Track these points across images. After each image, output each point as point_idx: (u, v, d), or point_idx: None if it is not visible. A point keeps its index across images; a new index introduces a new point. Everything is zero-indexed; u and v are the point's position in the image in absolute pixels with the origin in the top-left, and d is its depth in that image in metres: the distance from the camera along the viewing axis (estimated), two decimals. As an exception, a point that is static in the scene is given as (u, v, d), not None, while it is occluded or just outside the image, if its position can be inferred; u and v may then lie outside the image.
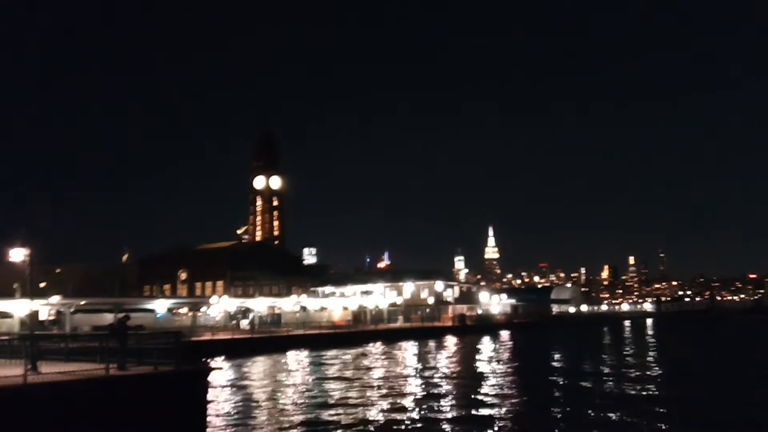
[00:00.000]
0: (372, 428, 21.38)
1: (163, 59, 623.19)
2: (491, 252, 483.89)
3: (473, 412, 24.11)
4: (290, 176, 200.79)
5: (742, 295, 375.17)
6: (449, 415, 23.56)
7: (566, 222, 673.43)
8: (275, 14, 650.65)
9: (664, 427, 21.12)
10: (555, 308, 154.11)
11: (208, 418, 21.09)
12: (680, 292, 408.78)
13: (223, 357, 48.97)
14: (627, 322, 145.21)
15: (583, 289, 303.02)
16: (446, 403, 26.27)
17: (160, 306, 69.35)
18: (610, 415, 22.75)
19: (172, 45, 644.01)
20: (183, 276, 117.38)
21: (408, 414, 23.83)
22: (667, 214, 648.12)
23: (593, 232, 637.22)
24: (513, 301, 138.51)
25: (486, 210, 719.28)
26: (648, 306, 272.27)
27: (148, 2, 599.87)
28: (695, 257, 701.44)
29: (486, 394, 28.57)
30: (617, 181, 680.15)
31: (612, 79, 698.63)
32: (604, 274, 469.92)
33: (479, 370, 39.82)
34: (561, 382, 31.88)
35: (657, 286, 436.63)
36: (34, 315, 53.64)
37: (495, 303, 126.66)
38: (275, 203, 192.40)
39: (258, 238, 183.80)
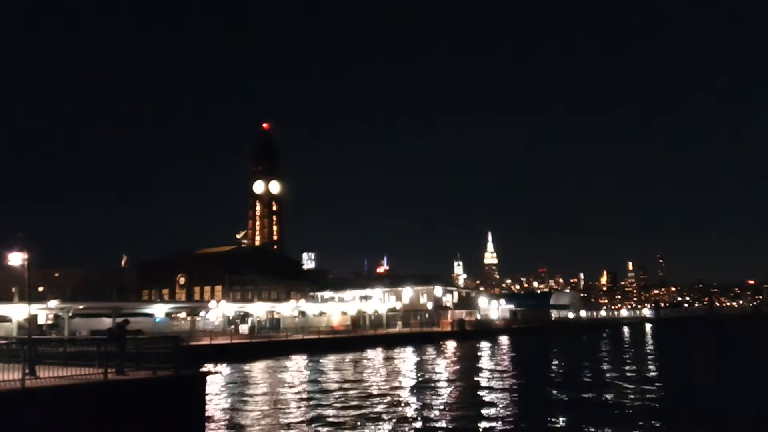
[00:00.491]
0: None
1: (163, 62, 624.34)
2: (490, 257, 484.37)
3: (470, 419, 24.02)
4: (289, 181, 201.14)
5: (741, 301, 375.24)
6: (446, 422, 23.55)
7: (565, 228, 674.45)
8: (275, 15, 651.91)
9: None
10: (554, 314, 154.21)
11: (207, 423, 21.02)
12: (679, 298, 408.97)
13: (221, 362, 48.91)
14: (626, 328, 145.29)
15: (582, 295, 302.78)
16: (444, 410, 26.24)
17: (159, 310, 69.24)
18: (608, 428, 22.32)
19: (171, 46, 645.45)
20: (182, 280, 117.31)
21: (405, 420, 23.85)
22: (665, 220, 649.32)
23: (592, 238, 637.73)
24: (512, 306, 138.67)
25: (485, 215, 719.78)
26: (647, 312, 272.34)
27: (148, 3, 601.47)
28: (694, 263, 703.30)
29: (484, 402, 28.51)
30: (616, 188, 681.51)
31: (611, 81, 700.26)
32: (603, 279, 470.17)
33: (478, 376, 39.73)
34: (559, 392, 31.61)
35: (656, 291, 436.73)
36: (32, 319, 53.48)
37: (494, 308, 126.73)
38: (274, 208, 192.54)
39: (257, 243, 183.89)
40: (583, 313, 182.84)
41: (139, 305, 76.83)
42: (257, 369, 45.49)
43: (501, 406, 27.05)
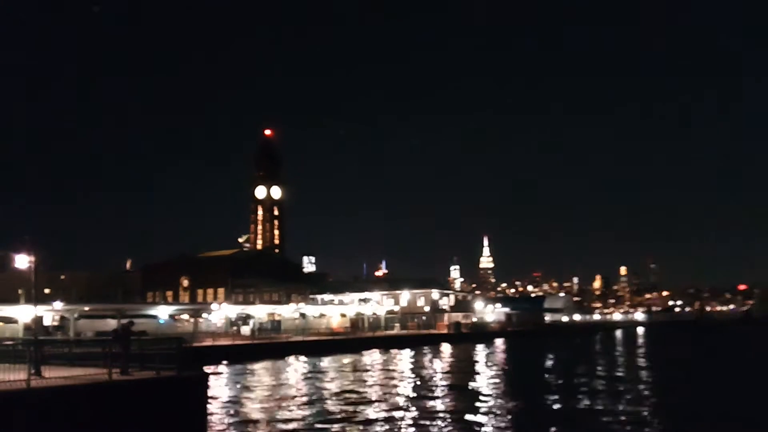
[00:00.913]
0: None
1: (162, 66, 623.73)
2: (486, 261, 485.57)
3: (466, 421, 24.10)
4: (290, 186, 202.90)
5: (732, 306, 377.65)
6: (443, 424, 23.57)
7: (559, 232, 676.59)
8: (274, 17, 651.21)
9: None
10: (548, 317, 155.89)
11: (209, 423, 21.19)
12: (671, 302, 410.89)
13: (223, 362, 49.60)
14: (618, 332, 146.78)
15: (575, 299, 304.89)
16: (440, 412, 26.26)
17: (163, 312, 69.63)
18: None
19: (171, 48, 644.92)
20: (185, 283, 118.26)
21: (401, 421, 24.04)
22: (658, 225, 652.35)
23: (586, 243, 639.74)
24: (507, 309, 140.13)
25: (482, 220, 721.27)
26: (639, 316, 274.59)
27: (149, 4, 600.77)
28: (686, 268, 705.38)
29: (480, 404, 28.57)
30: (610, 193, 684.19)
31: (611, 85, 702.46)
32: (596, 284, 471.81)
33: (474, 378, 40.18)
34: (554, 397, 31.27)
35: (648, 296, 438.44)
36: (38, 320, 54.22)
37: (489, 311, 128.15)
38: (276, 212, 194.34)
39: (259, 247, 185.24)
40: (576, 317, 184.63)
41: (144, 307, 77.59)
42: (259, 370, 45.91)
43: (494, 409, 27.07)
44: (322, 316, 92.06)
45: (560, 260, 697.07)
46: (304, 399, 30.40)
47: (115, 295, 75.42)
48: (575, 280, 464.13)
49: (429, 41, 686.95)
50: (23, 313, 53.74)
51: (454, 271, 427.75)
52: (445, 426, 23.33)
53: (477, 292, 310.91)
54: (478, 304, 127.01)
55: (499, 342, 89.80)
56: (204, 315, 77.48)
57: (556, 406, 28.45)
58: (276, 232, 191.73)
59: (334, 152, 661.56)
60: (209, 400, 21.83)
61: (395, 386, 35.46)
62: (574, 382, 36.80)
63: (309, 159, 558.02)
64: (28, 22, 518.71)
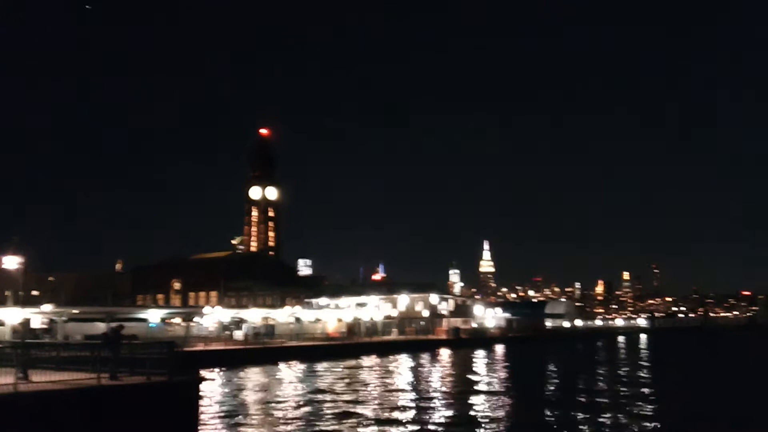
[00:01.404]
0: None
1: (161, 67, 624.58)
2: (486, 266, 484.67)
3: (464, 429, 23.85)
4: (286, 187, 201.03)
5: (736, 312, 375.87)
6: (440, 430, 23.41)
7: (561, 237, 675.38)
8: (274, 17, 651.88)
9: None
10: (549, 323, 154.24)
11: (200, 429, 20.96)
12: (674, 308, 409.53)
13: (216, 368, 48.71)
14: (621, 338, 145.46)
15: (577, 304, 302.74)
16: (437, 419, 26.11)
17: (153, 316, 68.90)
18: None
19: (171, 48, 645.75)
20: (177, 286, 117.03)
21: (398, 427, 23.78)
22: (661, 230, 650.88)
23: (588, 247, 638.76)
24: (507, 315, 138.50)
25: (482, 224, 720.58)
26: (642, 321, 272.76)
27: (149, 5, 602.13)
28: (689, 273, 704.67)
29: (478, 412, 28.37)
30: (612, 197, 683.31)
31: (611, 85, 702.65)
32: (599, 289, 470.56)
33: (472, 386, 39.50)
34: (554, 409, 30.53)
35: (651, 301, 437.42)
36: (26, 323, 53.36)
37: (489, 317, 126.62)
38: (271, 214, 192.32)
39: (253, 249, 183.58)
40: (578, 323, 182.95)
41: (134, 310, 76.58)
42: (252, 375, 45.31)
43: (493, 418, 26.84)
44: (317, 320, 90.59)
45: (562, 265, 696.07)
46: (298, 406, 29.97)
47: (105, 298, 74.12)
48: (577, 285, 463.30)
49: (429, 41, 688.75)
50: (11, 315, 53.14)
51: (454, 276, 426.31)
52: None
53: (477, 296, 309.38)
54: (478, 309, 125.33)
55: (500, 348, 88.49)
56: (196, 319, 76.39)
57: (554, 419, 26.98)
58: (271, 234, 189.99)
59: (332, 153, 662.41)
60: (200, 407, 21.42)
61: (390, 394, 34.63)
62: (573, 395, 35.59)
63: (306, 160, 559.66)
64: (28, 22, 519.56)
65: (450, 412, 27.79)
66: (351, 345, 74.06)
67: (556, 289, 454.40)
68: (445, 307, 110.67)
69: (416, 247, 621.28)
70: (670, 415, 27.06)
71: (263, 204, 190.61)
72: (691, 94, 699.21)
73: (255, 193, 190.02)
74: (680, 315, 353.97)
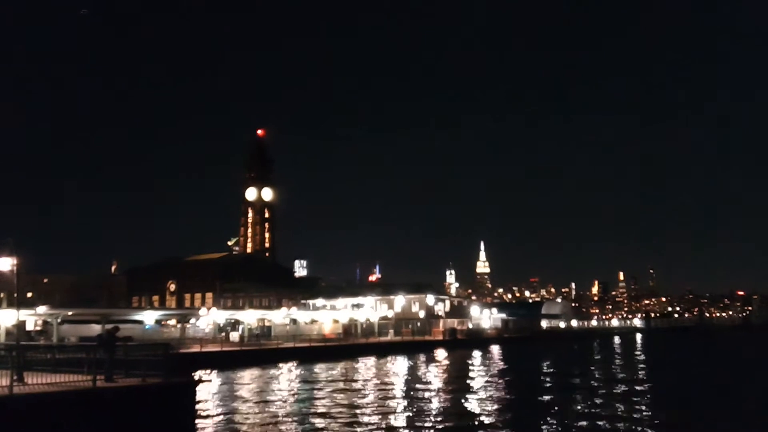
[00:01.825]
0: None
1: (160, 67, 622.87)
2: (482, 266, 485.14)
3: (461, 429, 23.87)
4: (282, 188, 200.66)
5: (731, 312, 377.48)
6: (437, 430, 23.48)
7: (557, 238, 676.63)
8: (274, 17, 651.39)
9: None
10: (545, 323, 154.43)
11: (196, 431, 20.90)
12: (669, 308, 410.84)
13: (211, 369, 48.56)
14: (617, 338, 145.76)
15: (573, 305, 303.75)
16: (435, 420, 26.10)
17: (149, 317, 68.83)
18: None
19: (170, 48, 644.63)
20: (172, 287, 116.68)
21: (395, 429, 23.77)
22: (656, 230, 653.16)
23: (583, 248, 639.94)
24: (503, 315, 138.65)
25: (478, 224, 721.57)
26: (637, 322, 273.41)
27: (149, 5, 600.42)
28: (684, 274, 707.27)
29: (474, 412, 28.40)
30: (608, 198, 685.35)
31: (611, 85, 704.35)
32: (594, 289, 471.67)
33: (469, 385, 39.54)
34: (550, 409, 30.69)
35: (646, 302, 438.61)
36: (20, 325, 53.07)
37: (486, 317, 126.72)
38: (267, 215, 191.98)
39: (249, 250, 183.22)
40: (574, 323, 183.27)
41: (129, 312, 76.39)
42: (248, 377, 45.19)
43: (489, 417, 26.90)
44: (313, 321, 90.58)
45: (558, 265, 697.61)
46: (294, 407, 29.91)
47: (100, 300, 73.86)
48: (573, 285, 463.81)
49: (429, 41, 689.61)
50: (5, 317, 53.12)
51: (450, 276, 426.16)
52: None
53: (473, 297, 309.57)
54: (474, 310, 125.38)
55: (496, 348, 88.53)
56: (191, 320, 76.21)
57: (551, 420, 26.89)
58: (267, 235, 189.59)
59: (328, 154, 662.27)
60: (196, 409, 21.50)
61: (386, 394, 34.56)
62: (569, 394, 35.51)
63: (303, 161, 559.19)
64: (26, 19, 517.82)
65: (446, 413, 27.73)
66: (347, 346, 74.07)
67: (552, 290, 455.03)
68: (442, 307, 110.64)
69: (412, 247, 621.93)
70: (663, 413, 27.15)
71: (259, 205, 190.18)
72: (689, 95, 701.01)
73: (251, 194, 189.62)
74: (675, 315, 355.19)
